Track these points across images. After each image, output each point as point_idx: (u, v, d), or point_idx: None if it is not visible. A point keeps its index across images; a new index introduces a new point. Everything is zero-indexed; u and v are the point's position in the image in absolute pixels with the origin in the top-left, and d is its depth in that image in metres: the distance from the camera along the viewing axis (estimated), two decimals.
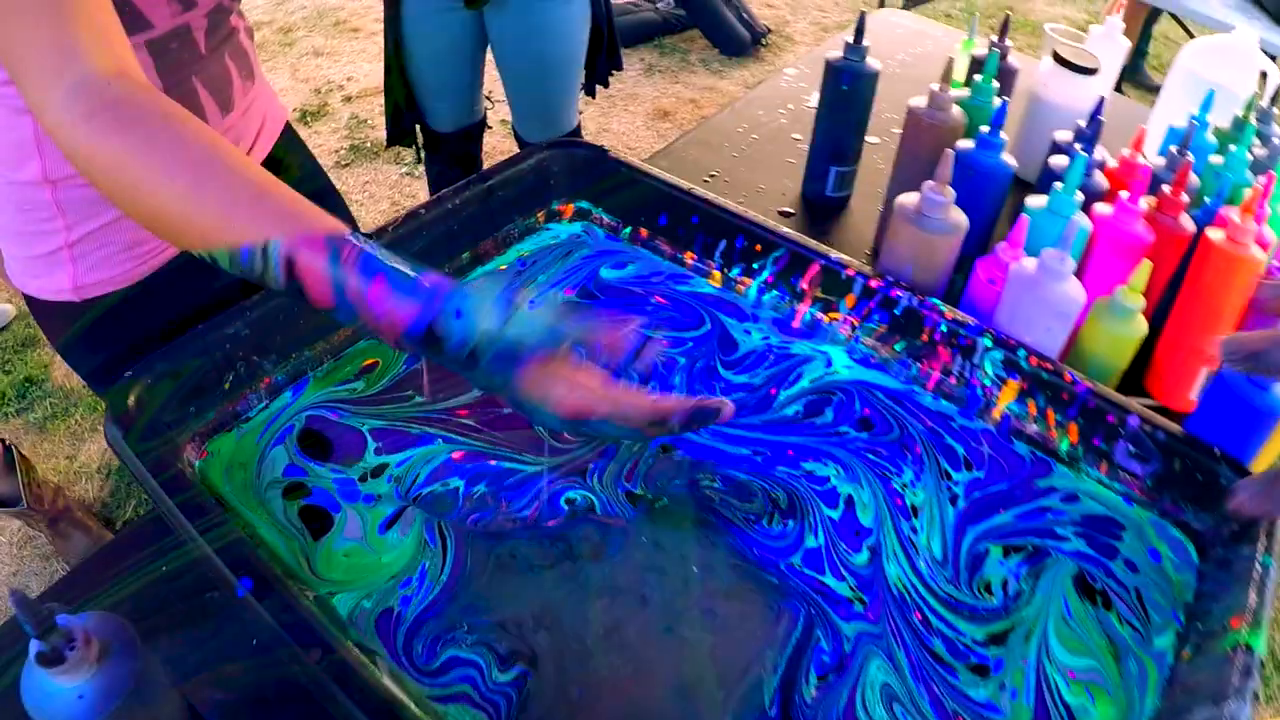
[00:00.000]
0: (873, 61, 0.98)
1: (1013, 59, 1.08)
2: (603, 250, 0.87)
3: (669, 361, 0.76)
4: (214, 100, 0.76)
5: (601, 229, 0.89)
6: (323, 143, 2.82)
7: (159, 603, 0.61)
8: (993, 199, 0.90)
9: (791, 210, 1.07)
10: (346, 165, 2.73)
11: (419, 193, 2.60)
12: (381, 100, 1.65)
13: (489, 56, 1.59)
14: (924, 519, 0.66)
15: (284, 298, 0.54)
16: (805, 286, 0.79)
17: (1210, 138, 0.93)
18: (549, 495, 0.66)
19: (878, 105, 1.02)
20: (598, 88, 1.70)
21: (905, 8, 3.44)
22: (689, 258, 0.85)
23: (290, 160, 0.92)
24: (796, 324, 0.80)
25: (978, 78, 0.99)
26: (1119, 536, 0.65)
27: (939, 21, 1.65)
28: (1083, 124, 0.92)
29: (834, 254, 0.78)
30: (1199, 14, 2.23)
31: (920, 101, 0.93)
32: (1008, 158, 0.87)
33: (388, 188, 2.65)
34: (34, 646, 0.42)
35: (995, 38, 1.06)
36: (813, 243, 0.79)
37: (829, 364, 0.77)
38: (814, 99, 1.22)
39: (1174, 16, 2.92)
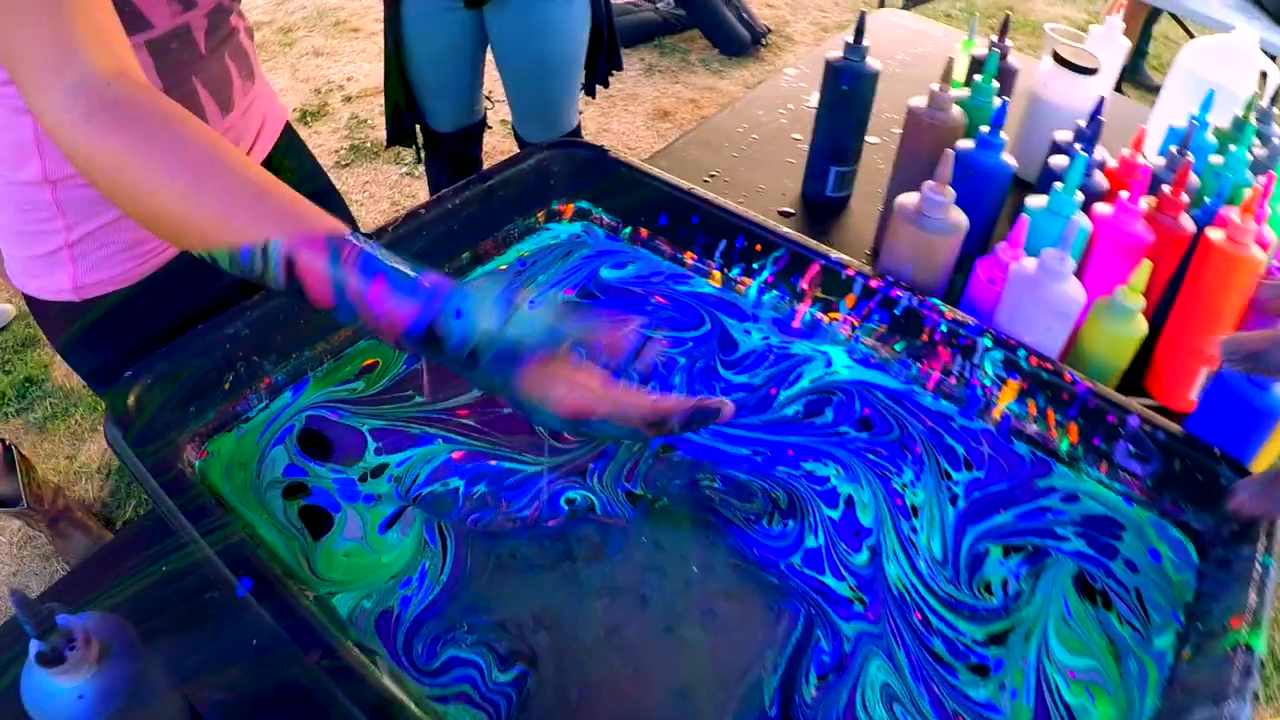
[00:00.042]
0: (873, 61, 0.98)
1: (1013, 59, 1.08)
2: (603, 250, 0.87)
3: (669, 361, 0.76)
4: (214, 100, 0.76)
5: (601, 229, 0.89)
6: (323, 143, 2.82)
7: (159, 603, 0.61)
8: (993, 199, 0.90)
9: (791, 210, 1.07)
10: (346, 165, 2.73)
11: (419, 193, 2.60)
12: (381, 100, 1.65)
13: (489, 56, 1.59)
14: (924, 519, 0.66)
15: (284, 298, 0.54)
16: (805, 286, 0.79)
17: (1210, 138, 0.93)
18: (549, 495, 0.66)
19: (877, 105, 1.02)
20: (598, 88, 1.70)
21: (905, 8, 3.44)
22: (689, 258, 0.85)
23: (290, 160, 0.92)
24: (796, 324, 0.80)
25: (978, 78, 0.99)
26: (1119, 536, 0.65)
27: (939, 21, 1.65)
28: (1083, 124, 0.92)
29: (834, 254, 0.78)
30: (1199, 14, 2.23)
31: (920, 101, 0.93)
32: (1008, 158, 0.87)
33: (388, 188, 2.65)
34: (34, 646, 0.42)
35: (995, 38, 1.06)
36: (813, 243, 0.79)
37: (829, 364, 0.77)
38: (814, 99, 1.22)
39: (1174, 16, 2.92)
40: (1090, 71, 1.03)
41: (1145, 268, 0.72)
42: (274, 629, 0.49)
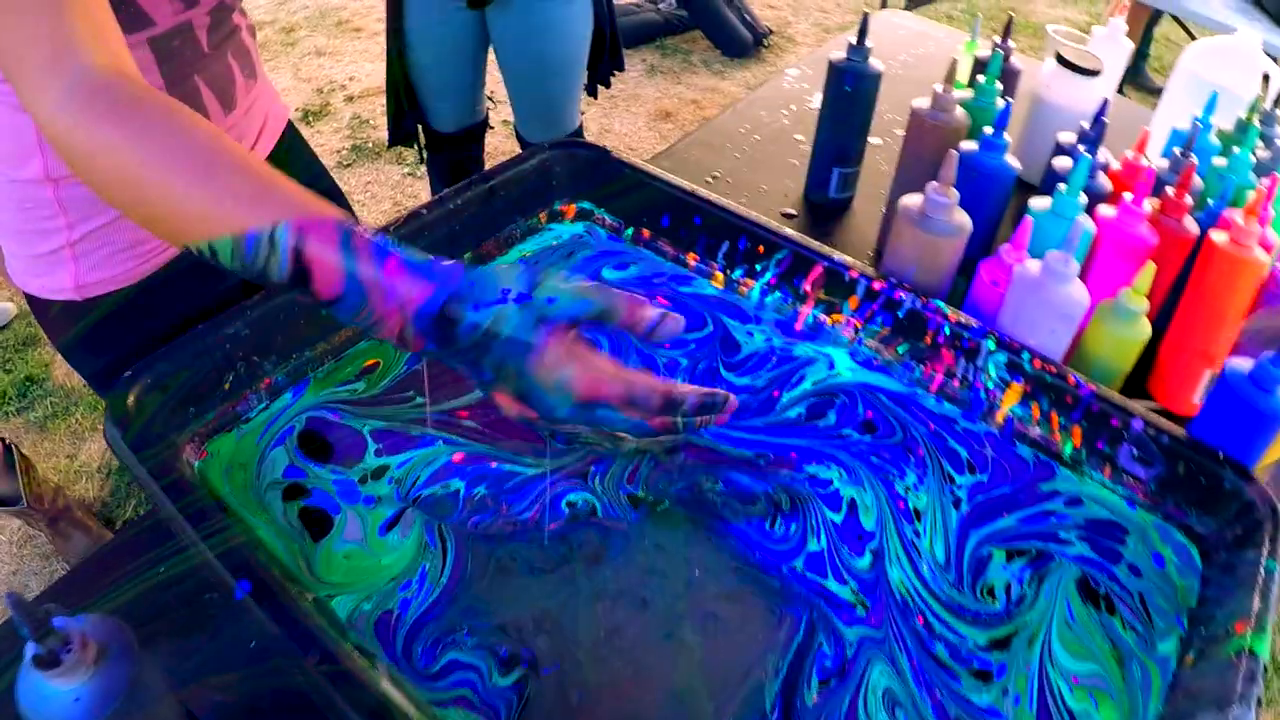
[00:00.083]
0: (875, 62, 0.98)
1: (1015, 60, 1.08)
2: (605, 251, 0.87)
3: (671, 363, 0.76)
4: (216, 99, 0.76)
5: (604, 230, 0.89)
6: (325, 142, 2.82)
7: (157, 606, 0.61)
8: (996, 201, 0.90)
9: (794, 211, 1.07)
10: (348, 165, 2.73)
11: (421, 193, 2.59)
12: (383, 100, 1.64)
13: (491, 57, 1.59)
14: (927, 522, 0.65)
15: (283, 295, 0.53)
16: (808, 288, 0.79)
17: (1214, 140, 0.93)
18: (550, 498, 0.65)
19: (880, 107, 1.02)
20: (600, 88, 1.70)
21: (907, 9, 3.44)
22: (691, 259, 0.85)
23: (293, 159, 0.92)
24: (799, 326, 0.79)
25: (980, 79, 0.99)
26: (1122, 541, 0.64)
27: (940, 23, 1.64)
28: (1086, 125, 0.91)
29: (837, 256, 0.77)
30: (1200, 15, 2.23)
31: (924, 102, 0.92)
32: (1011, 159, 0.87)
33: (390, 188, 2.65)
34: (30, 649, 0.42)
35: (998, 39, 1.06)
36: (816, 244, 0.78)
37: (831, 366, 0.76)
38: (816, 100, 1.22)
39: (1175, 18, 2.92)
40: (1093, 73, 1.02)
41: (1149, 270, 0.72)
42: (272, 632, 0.48)
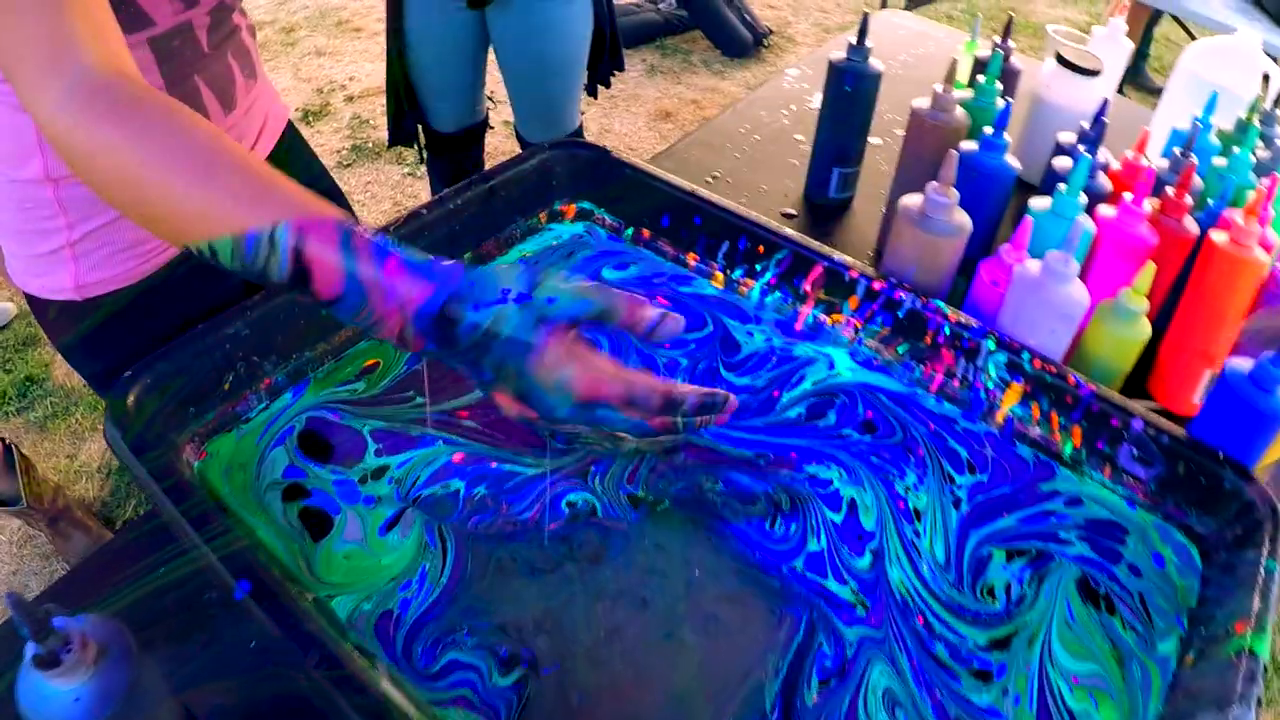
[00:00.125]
0: (875, 62, 0.98)
1: (1015, 60, 1.07)
2: (605, 251, 0.87)
3: (671, 363, 0.76)
4: (216, 99, 0.76)
5: (604, 230, 0.89)
6: (325, 143, 2.82)
7: (158, 607, 0.60)
8: (996, 201, 0.90)
9: (794, 211, 1.07)
10: (348, 165, 2.73)
11: (421, 193, 2.59)
12: (384, 100, 1.64)
13: (491, 57, 1.59)
14: (927, 522, 0.65)
15: (283, 295, 0.53)
16: (808, 288, 0.79)
17: (1214, 140, 0.93)
18: (550, 498, 0.65)
19: (880, 107, 1.02)
20: (600, 88, 1.70)
21: (907, 9, 3.44)
22: (691, 259, 0.85)
23: (293, 159, 0.92)
24: (799, 326, 0.79)
25: (980, 79, 0.99)
26: (1122, 541, 0.64)
27: (940, 23, 1.64)
28: (1086, 125, 0.91)
29: (837, 255, 0.77)
30: (1200, 15, 2.23)
31: (924, 102, 0.92)
32: (1011, 159, 0.87)
33: (390, 188, 2.65)
34: (30, 649, 0.42)
35: (997, 39, 1.06)
36: (816, 244, 0.78)
37: (831, 366, 0.76)
38: (816, 100, 1.22)
39: (1175, 18, 2.92)
40: (1093, 73, 1.02)
41: (1149, 270, 0.72)
42: (272, 633, 0.48)
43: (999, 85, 0.98)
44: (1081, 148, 0.90)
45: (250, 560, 0.52)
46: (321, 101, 3.03)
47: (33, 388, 1.99)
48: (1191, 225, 0.80)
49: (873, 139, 1.10)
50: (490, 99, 1.71)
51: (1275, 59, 1.12)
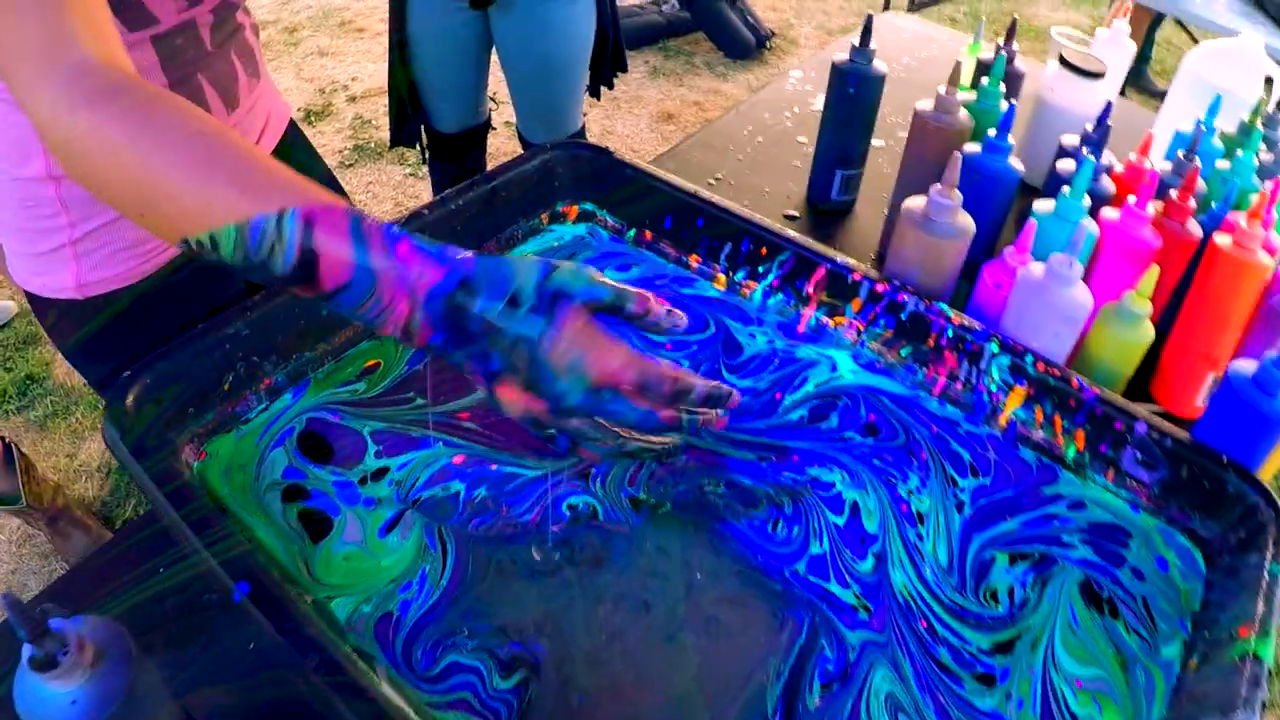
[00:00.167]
0: (879, 65, 0.98)
1: (1019, 63, 1.07)
2: (607, 252, 0.87)
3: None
4: (219, 97, 0.76)
5: (606, 231, 0.88)
6: (327, 143, 2.82)
7: (156, 608, 0.60)
8: (999, 203, 0.89)
9: (797, 213, 1.07)
10: (350, 165, 2.73)
11: (423, 193, 2.59)
12: (386, 100, 1.64)
13: (494, 57, 1.59)
14: (930, 526, 0.65)
15: (282, 289, 0.52)
16: (811, 290, 0.79)
17: (1217, 143, 0.92)
18: (551, 500, 0.65)
19: (882, 109, 1.02)
20: (602, 90, 1.70)
21: (910, 11, 3.44)
22: (694, 261, 0.84)
23: (295, 158, 0.91)
24: (802, 328, 0.79)
25: (984, 81, 0.99)
26: (1126, 544, 0.64)
27: (943, 25, 1.64)
28: (1089, 128, 0.91)
29: (840, 258, 0.77)
30: (1202, 19, 2.23)
31: (927, 105, 0.92)
32: (1014, 162, 0.87)
33: (391, 188, 2.65)
34: (27, 650, 0.42)
35: (1001, 42, 1.06)
36: (818, 246, 0.78)
37: (834, 368, 0.76)
38: (819, 102, 1.22)
39: (1178, 22, 2.92)
40: (1096, 76, 1.02)
41: (1152, 273, 0.71)
42: (271, 635, 0.48)
43: (1002, 88, 0.98)
44: (1085, 150, 0.90)
45: (249, 562, 0.51)
46: (324, 101, 3.03)
47: (33, 386, 1.98)
48: (1195, 228, 0.80)
49: (875, 141, 1.10)
50: (492, 100, 1.71)
51: (1278, 62, 1.12)
